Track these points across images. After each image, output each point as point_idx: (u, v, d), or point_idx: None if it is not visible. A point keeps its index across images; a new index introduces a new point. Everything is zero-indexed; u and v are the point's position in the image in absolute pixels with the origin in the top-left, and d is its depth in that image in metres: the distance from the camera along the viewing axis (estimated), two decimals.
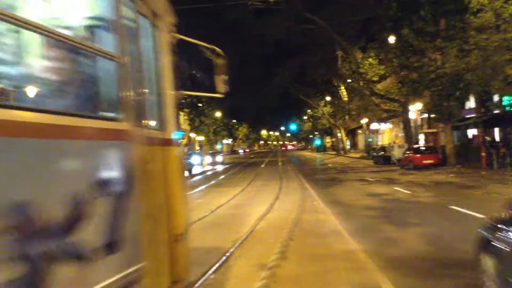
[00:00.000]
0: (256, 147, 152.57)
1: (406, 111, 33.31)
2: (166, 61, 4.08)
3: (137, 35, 3.38)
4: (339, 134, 64.42)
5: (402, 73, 30.59)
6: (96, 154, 2.74)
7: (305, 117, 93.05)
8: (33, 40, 2.56)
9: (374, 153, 38.38)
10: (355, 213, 11.58)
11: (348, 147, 65.11)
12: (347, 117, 58.39)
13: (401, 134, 41.95)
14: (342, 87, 51.92)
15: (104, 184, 2.66)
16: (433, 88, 25.64)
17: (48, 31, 2.39)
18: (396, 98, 34.28)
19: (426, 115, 32.74)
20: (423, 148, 28.43)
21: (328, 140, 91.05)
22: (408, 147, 30.28)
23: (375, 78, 36.76)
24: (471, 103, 30.40)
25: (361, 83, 37.45)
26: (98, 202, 2.53)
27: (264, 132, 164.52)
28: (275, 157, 55.55)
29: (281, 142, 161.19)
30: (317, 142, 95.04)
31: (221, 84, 4.97)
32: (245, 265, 6.92)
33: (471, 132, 30.41)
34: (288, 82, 55.24)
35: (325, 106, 66.85)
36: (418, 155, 26.94)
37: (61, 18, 2.82)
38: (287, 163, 42.98)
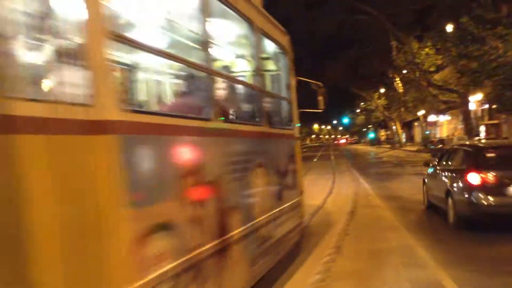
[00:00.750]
0: (308, 141, 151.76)
1: (465, 102, 31.98)
2: (293, 82, 7.29)
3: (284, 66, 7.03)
4: (394, 127, 62.74)
5: (461, 62, 29.39)
6: (286, 145, 6.76)
7: (358, 110, 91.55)
8: (246, 92, 5.58)
9: (432, 146, 37.12)
10: (412, 208, 11.28)
11: (403, 140, 63.40)
12: (402, 109, 56.88)
13: (460, 126, 40.35)
14: (397, 79, 50.60)
15: (291, 159, 6.78)
16: (494, 77, 24.52)
17: (259, 88, 5.53)
18: (455, 88, 32.97)
19: (487, 106, 31.39)
20: (484, 140, 27.21)
21: (382, 133, 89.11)
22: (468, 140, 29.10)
23: (432, 69, 35.54)
24: None
25: (417, 74, 36.32)
26: (289, 167, 6.57)
27: (315, 126, 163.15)
28: (327, 151, 55.03)
29: (333, 136, 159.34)
30: (371, 135, 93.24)
31: (321, 103, 8.61)
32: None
33: None
34: (341, 76, 54.48)
35: (379, 98, 65.43)
36: None
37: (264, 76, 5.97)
38: (340, 157, 42.42)
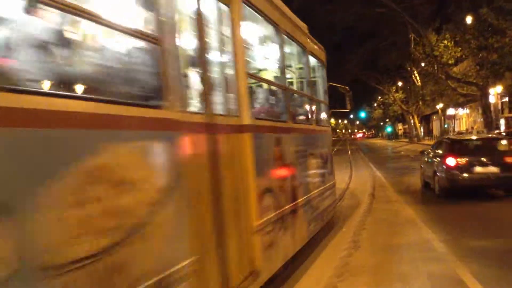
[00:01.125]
0: None
1: (485, 95, 31.45)
2: (326, 85, 9.01)
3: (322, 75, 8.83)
4: (412, 121, 62.01)
5: (480, 54, 28.92)
6: (326, 138, 8.88)
7: (375, 104, 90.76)
8: (304, 100, 7.68)
9: None
10: (431, 202, 11.18)
11: (421, 134, 62.69)
12: (420, 102, 56.21)
13: (480, 120, 39.74)
14: (415, 72, 50.01)
15: (329, 150, 9.09)
16: None
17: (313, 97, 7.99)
18: (474, 81, 32.45)
19: (507, 99, 30.83)
20: (505, 134, 26.75)
21: (400, 127, 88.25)
22: (488, 133, 28.66)
23: (451, 61, 35.02)
24: None
25: (436, 67, 35.82)
26: (329, 156, 8.78)
27: (332, 121, 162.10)
28: (344, 145, 54.72)
29: (349, 130, 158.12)
30: (388, 129, 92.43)
31: (349, 104, 10.08)
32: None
33: None
34: (359, 69, 53.95)
35: (396, 92, 64.75)
36: None
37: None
38: (356, 151, 42.15)
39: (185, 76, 3.52)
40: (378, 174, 18.47)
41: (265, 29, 5.77)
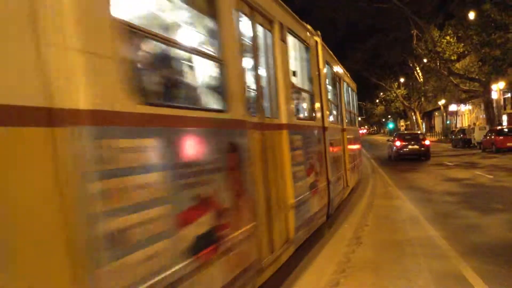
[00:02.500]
0: None
1: (487, 91, 31.39)
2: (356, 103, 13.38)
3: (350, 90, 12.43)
4: (414, 117, 61.91)
5: (483, 50, 28.84)
6: (355, 132, 13.29)
7: (377, 101, 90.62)
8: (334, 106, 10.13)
9: (453, 136, 36.62)
10: (433, 199, 11.17)
11: (423, 130, 62.60)
12: (422, 99, 56.14)
13: (482, 116, 39.65)
14: (418, 68, 49.92)
15: (357, 140, 14.43)
16: None
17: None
18: (477, 77, 32.39)
19: (509, 95, 30.75)
20: (507, 130, 26.69)
21: (402, 123, 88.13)
22: (490, 129, 28.59)
23: (453, 57, 34.93)
24: None
25: (438, 63, 35.74)
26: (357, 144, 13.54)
27: None
28: None
29: None
30: (390, 126, 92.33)
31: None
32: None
33: None
34: (361, 65, 53.80)
35: (398, 88, 64.66)
36: (501, 138, 25.36)
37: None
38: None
39: (248, 89, 4.59)
40: (385, 179, 18.49)
41: (301, 53, 7.04)
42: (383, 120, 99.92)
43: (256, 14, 4.78)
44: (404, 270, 5.58)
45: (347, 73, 12.39)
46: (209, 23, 3.78)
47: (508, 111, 31.52)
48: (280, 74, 5.41)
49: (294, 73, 6.32)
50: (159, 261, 2.53)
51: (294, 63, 6.44)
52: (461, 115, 50.86)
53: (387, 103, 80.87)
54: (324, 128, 7.67)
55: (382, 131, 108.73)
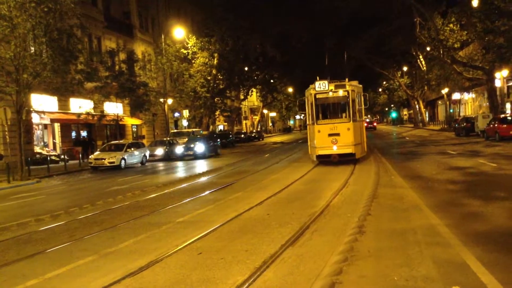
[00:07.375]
0: None
1: (491, 79, 31.23)
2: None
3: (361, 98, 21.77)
4: (417, 106, 61.76)
5: (486, 38, 28.64)
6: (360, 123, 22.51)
7: (380, 90, 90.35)
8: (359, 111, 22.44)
9: (456, 125, 36.50)
10: (436, 188, 11.17)
11: (426, 119, 62.42)
12: (425, 87, 55.92)
13: (485, 104, 39.48)
14: (421, 56, 49.65)
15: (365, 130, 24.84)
16: None
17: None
18: (480, 65, 32.22)
19: None
20: (510, 118, 26.58)
21: (405, 112, 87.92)
22: (493, 117, 28.49)
23: (456, 45, 34.77)
24: None
25: (441, 51, 35.54)
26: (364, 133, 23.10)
27: None
28: None
29: None
30: (393, 115, 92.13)
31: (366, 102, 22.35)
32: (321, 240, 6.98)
33: None
34: (364, 54, 53.51)
35: (401, 77, 64.38)
36: (505, 126, 25.27)
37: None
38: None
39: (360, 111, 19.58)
40: (388, 167, 18.41)
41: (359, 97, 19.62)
42: (386, 109, 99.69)
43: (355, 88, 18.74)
44: (407, 258, 5.60)
45: (360, 85, 19.82)
46: None
47: None
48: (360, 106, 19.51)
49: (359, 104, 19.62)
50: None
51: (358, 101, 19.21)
52: (465, 104, 50.66)
53: (390, 92, 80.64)
54: (362, 121, 19.89)
55: (385, 120, 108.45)
